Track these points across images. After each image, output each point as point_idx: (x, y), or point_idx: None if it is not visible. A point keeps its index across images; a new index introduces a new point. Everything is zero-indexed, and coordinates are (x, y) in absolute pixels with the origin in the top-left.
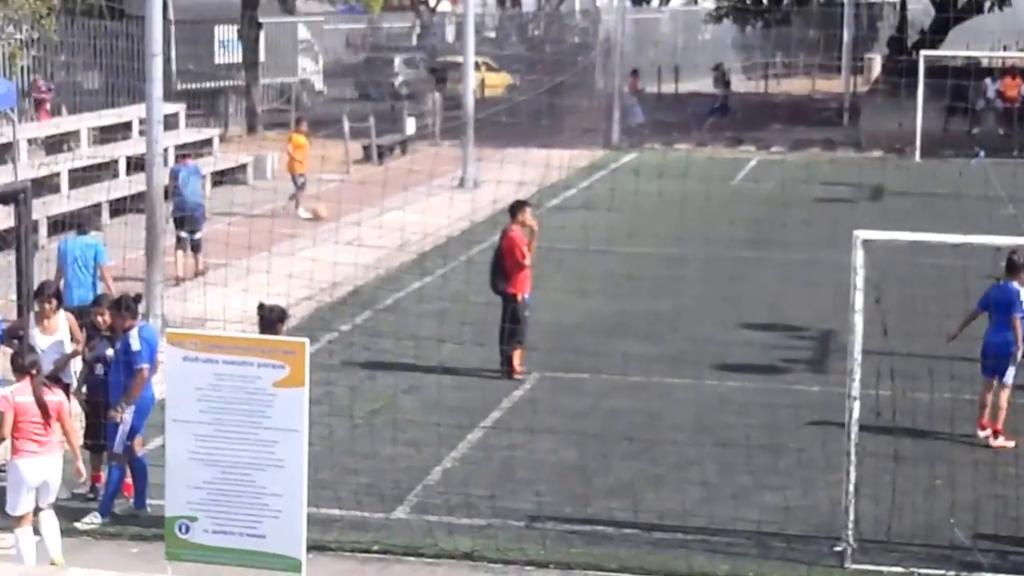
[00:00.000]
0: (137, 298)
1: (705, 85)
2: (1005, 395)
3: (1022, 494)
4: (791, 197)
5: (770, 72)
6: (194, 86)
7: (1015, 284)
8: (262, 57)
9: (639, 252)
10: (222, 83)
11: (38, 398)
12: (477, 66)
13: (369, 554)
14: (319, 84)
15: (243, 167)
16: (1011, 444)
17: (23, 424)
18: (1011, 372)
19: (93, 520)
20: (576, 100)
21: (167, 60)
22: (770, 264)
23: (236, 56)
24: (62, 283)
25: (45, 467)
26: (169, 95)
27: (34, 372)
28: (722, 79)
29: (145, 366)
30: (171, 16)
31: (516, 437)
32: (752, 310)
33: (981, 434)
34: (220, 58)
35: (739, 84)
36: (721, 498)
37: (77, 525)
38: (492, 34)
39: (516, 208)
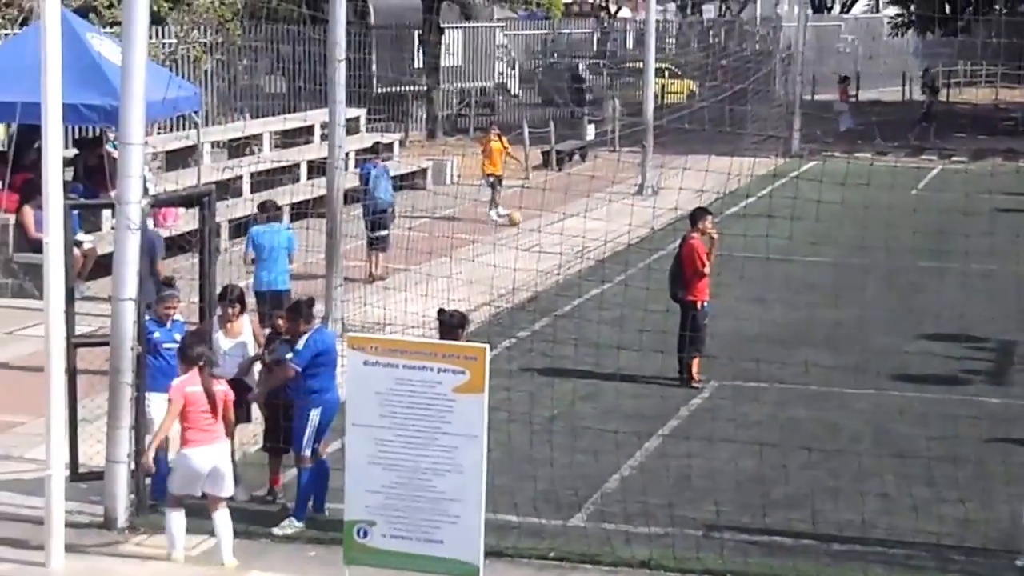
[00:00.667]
0: (310, 302)
1: (886, 93)
2: None
3: None
4: (973, 207)
5: (952, 81)
6: (393, 90)
7: None
8: (459, 62)
9: (819, 261)
10: (414, 87)
11: (207, 388)
12: (660, 72)
13: (546, 561)
14: (515, 88)
15: (423, 172)
16: None
17: (192, 414)
18: None
19: (291, 525)
20: (756, 107)
21: (366, 65)
22: (951, 274)
23: (447, 60)
24: (253, 268)
25: (214, 456)
26: (368, 99)
27: (202, 363)
28: (931, 86)
29: (294, 366)
30: (372, 21)
31: (694, 446)
32: (932, 320)
33: None
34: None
35: (920, 94)
36: (900, 510)
37: (275, 531)
38: (672, 40)
39: (696, 216)
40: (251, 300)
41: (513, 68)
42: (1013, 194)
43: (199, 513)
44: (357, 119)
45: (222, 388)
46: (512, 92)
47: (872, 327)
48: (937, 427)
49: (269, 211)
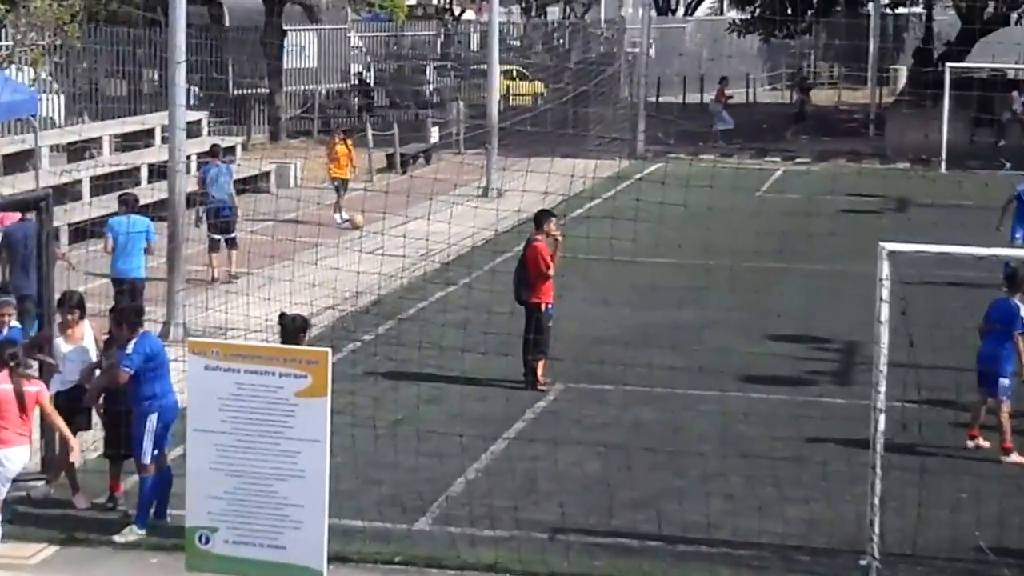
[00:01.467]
0: (136, 309)
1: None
2: (1003, 411)
3: None
4: (817, 208)
5: (795, 83)
6: (252, 91)
7: (1015, 300)
8: (314, 63)
9: (664, 263)
10: (257, 90)
11: (16, 388)
12: (508, 74)
13: (391, 565)
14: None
15: (266, 175)
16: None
17: (4, 413)
18: (1004, 386)
19: (133, 532)
20: (601, 109)
21: (221, 68)
22: (796, 275)
23: (301, 62)
24: (111, 255)
25: (23, 456)
26: (225, 102)
27: (12, 364)
28: (800, 86)
29: (125, 371)
30: (227, 23)
31: (539, 448)
32: (777, 322)
33: (969, 443)
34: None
35: (764, 95)
36: (745, 511)
37: (116, 538)
38: (516, 42)
39: (541, 218)
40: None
41: (369, 70)
42: (855, 195)
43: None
44: (199, 122)
45: (34, 389)
46: (370, 94)
47: (717, 329)
48: (782, 428)
49: (130, 204)
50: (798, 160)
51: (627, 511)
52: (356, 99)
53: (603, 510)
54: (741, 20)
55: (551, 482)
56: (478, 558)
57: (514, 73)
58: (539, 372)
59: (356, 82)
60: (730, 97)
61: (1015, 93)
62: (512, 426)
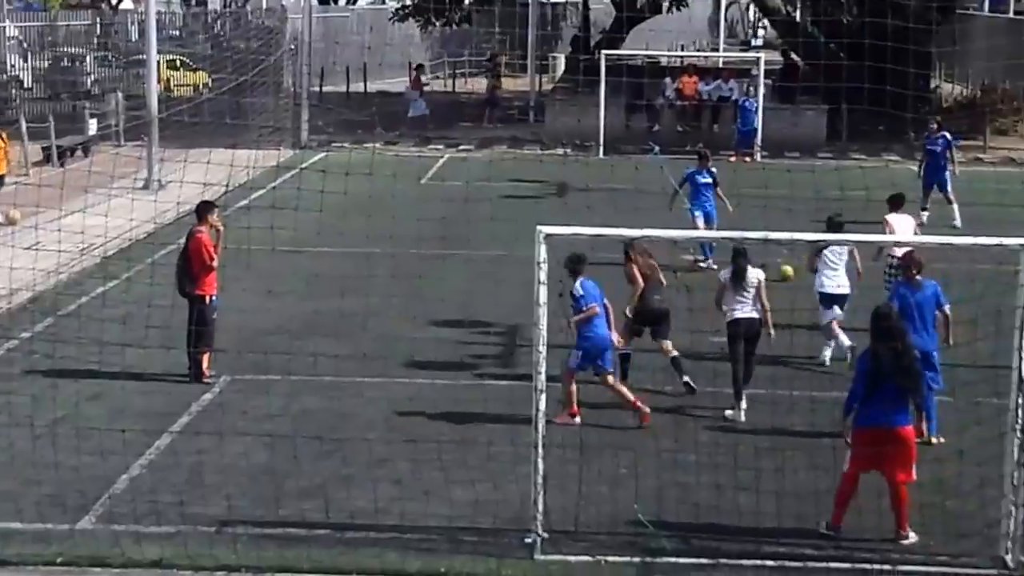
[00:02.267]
0: None
1: (393, 85)
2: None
3: (702, 480)
4: (478, 195)
5: (457, 71)
6: None
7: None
8: None
9: (327, 251)
10: None
11: None
12: (172, 64)
13: (53, 567)
14: (28, 81)
15: None
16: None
17: None
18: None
19: None
20: (264, 99)
21: None
22: (458, 261)
23: None
24: None
25: None
26: None
27: None
28: (493, 71)
29: None
30: None
31: (205, 441)
32: (441, 307)
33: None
34: None
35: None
36: (412, 495)
37: None
38: (177, 32)
39: (202, 209)
40: None
41: (26, 61)
42: (515, 181)
43: None
44: None
45: None
46: (26, 86)
47: (381, 316)
48: (447, 411)
49: None
50: (460, 147)
51: (295, 500)
52: (13, 90)
53: (271, 501)
54: (402, 8)
55: (218, 475)
56: (143, 555)
57: (177, 63)
58: (204, 365)
59: (13, 73)
60: (426, 84)
61: (667, 79)
62: (177, 420)
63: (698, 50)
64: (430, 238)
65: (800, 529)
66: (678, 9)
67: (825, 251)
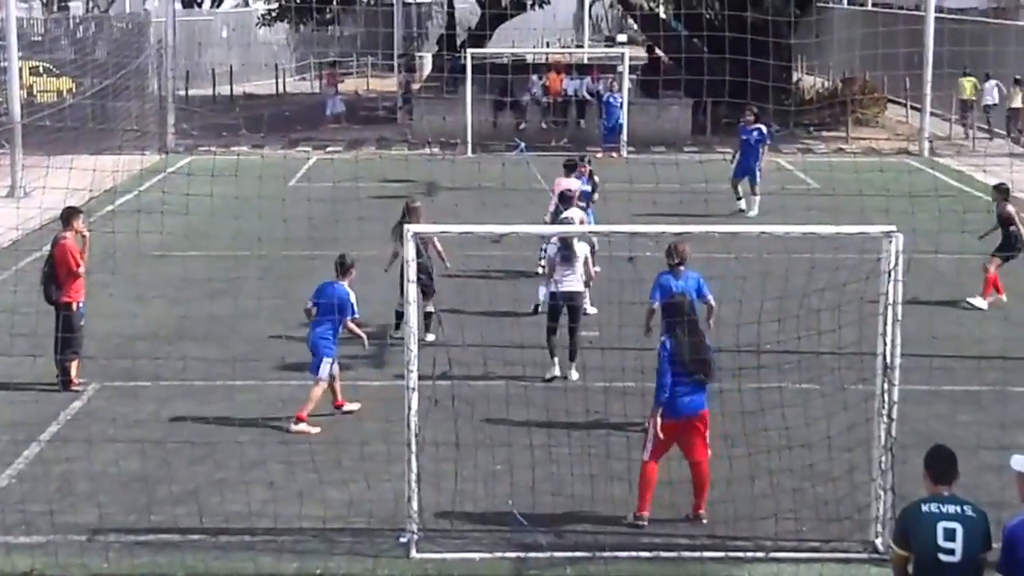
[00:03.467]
0: None
1: (260, 87)
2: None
3: (576, 473)
4: (347, 195)
5: (323, 72)
6: None
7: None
8: None
9: (196, 256)
10: None
11: None
12: (37, 71)
13: None
14: None
15: None
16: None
17: None
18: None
19: None
20: (129, 104)
21: None
22: (327, 262)
23: None
24: None
25: None
26: None
27: None
28: (407, 67)
29: None
30: None
31: (75, 450)
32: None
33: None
34: None
35: (293, 85)
36: (286, 497)
37: None
38: (39, 38)
39: (68, 215)
40: None
41: None
42: (386, 181)
43: None
44: None
45: None
46: None
47: (251, 318)
48: (319, 413)
49: None
50: (329, 149)
51: (168, 506)
52: None
53: (143, 507)
54: (268, 11)
55: (89, 483)
56: (13, 566)
57: (40, 69)
58: (73, 372)
59: None
60: (341, 80)
61: (534, 77)
62: (46, 429)
63: (563, 47)
64: (299, 240)
65: (673, 519)
66: (542, 7)
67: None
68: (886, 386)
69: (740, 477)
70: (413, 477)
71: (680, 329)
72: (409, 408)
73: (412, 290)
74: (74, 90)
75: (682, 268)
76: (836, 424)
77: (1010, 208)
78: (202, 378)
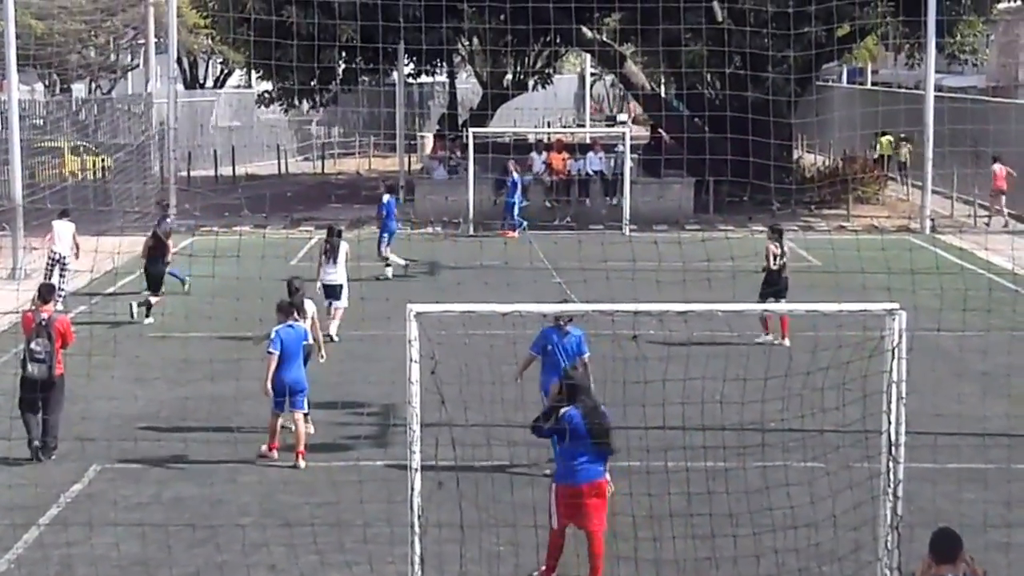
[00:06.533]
0: None
1: (263, 167)
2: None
3: (581, 555)
4: (351, 275)
5: (327, 152)
6: None
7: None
8: None
9: (197, 336)
10: None
11: None
12: (77, 150)
13: None
14: None
15: None
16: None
17: None
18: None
19: None
20: (131, 185)
21: None
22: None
23: None
24: None
25: None
26: None
27: None
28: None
29: None
30: None
31: (75, 533)
32: (314, 388)
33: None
34: None
35: (295, 166)
36: None
37: None
38: (40, 121)
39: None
40: None
41: None
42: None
43: None
44: None
45: None
46: None
47: (254, 399)
48: (322, 494)
49: None
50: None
51: None
52: None
53: None
54: (267, 92)
55: (88, 567)
56: None
57: (80, 149)
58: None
59: None
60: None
61: (533, 155)
62: (46, 512)
63: (564, 126)
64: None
65: None
66: (543, 87)
67: None
68: (891, 464)
69: (745, 557)
70: (417, 559)
71: (577, 398)
72: (411, 490)
73: (415, 370)
74: (77, 173)
75: (567, 327)
76: (841, 503)
77: (768, 245)
78: (203, 459)
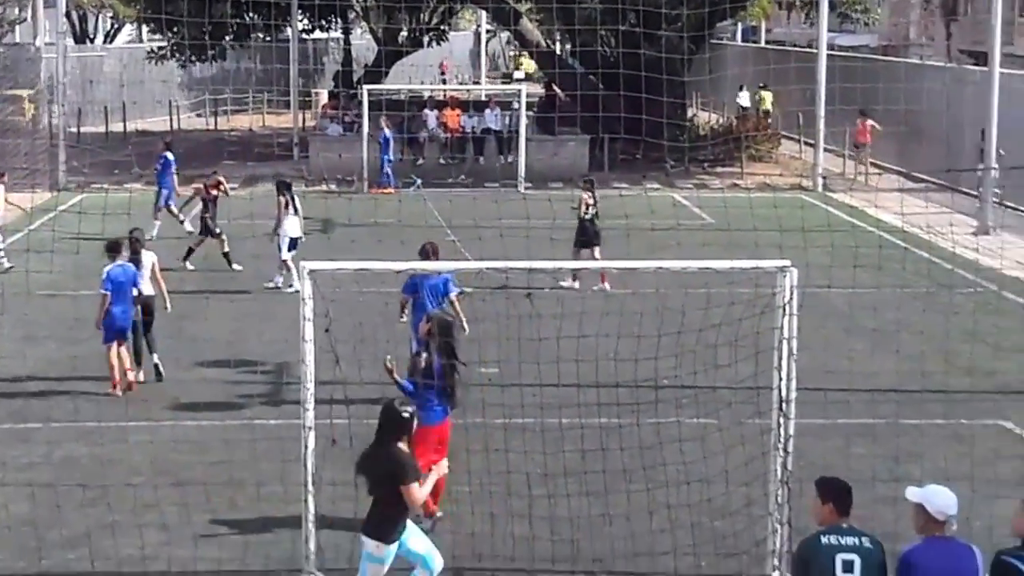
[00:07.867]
0: None
1: (153, 124)
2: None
3: (477, 512)
4: (242, 232)
5: (219, 108)
6: None
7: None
8: None
9: (87, 294)
10: None
11: None
12: None
13: None
14: None
15: None
16: None
17: None
18: None
19: None
20: (20, 140)
21: None
22: (223, 300)
23: None
24: None
25: None
26: None
27: None
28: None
29: None
30: None
31: None
32: (207, 347)
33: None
34: None
35: (188, 122)
36: (181, 540)
37: None
38: None
39: None
40: None
41: None
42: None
43: None
44: None
45: None
46: None
47: (145, 359)
48: (215, 453)
49: None
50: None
51: (58, 550)
52: None
53: (32, 551)
54: (158, 47)
55: None
56: None
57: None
58: None
59: None
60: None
61: (426, 111)
62: None
63: (460, 83)
64: (193, 277)
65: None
66: (438, 43)
67: None
68: (782, 420)
69: (638, 512)
70: (311, 517)
71: (444, 349)
72: (305, 448)
73: (309, 329)
74: None
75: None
76: (733, 458)
77: (582, 195)
78: (94, 419)
